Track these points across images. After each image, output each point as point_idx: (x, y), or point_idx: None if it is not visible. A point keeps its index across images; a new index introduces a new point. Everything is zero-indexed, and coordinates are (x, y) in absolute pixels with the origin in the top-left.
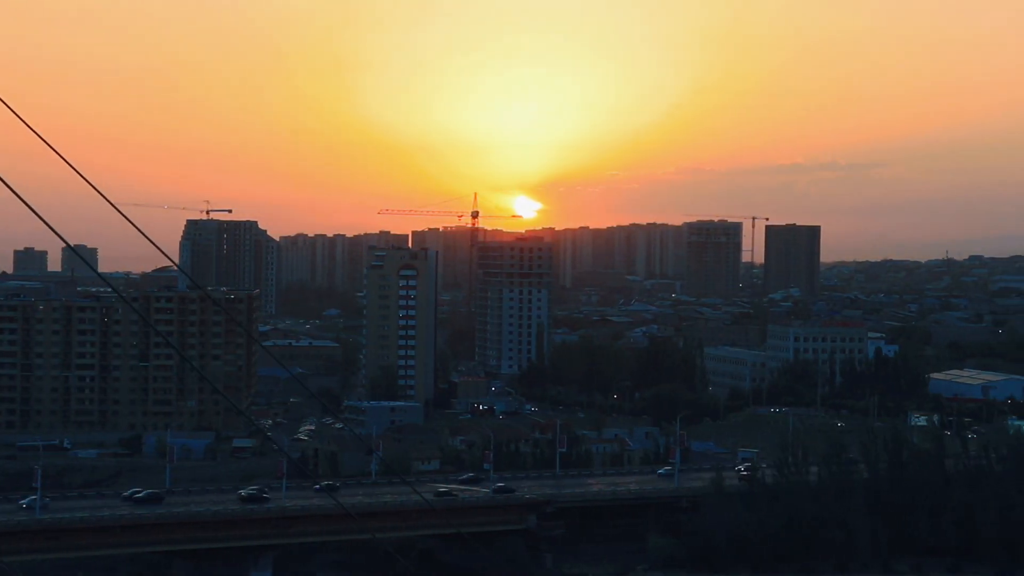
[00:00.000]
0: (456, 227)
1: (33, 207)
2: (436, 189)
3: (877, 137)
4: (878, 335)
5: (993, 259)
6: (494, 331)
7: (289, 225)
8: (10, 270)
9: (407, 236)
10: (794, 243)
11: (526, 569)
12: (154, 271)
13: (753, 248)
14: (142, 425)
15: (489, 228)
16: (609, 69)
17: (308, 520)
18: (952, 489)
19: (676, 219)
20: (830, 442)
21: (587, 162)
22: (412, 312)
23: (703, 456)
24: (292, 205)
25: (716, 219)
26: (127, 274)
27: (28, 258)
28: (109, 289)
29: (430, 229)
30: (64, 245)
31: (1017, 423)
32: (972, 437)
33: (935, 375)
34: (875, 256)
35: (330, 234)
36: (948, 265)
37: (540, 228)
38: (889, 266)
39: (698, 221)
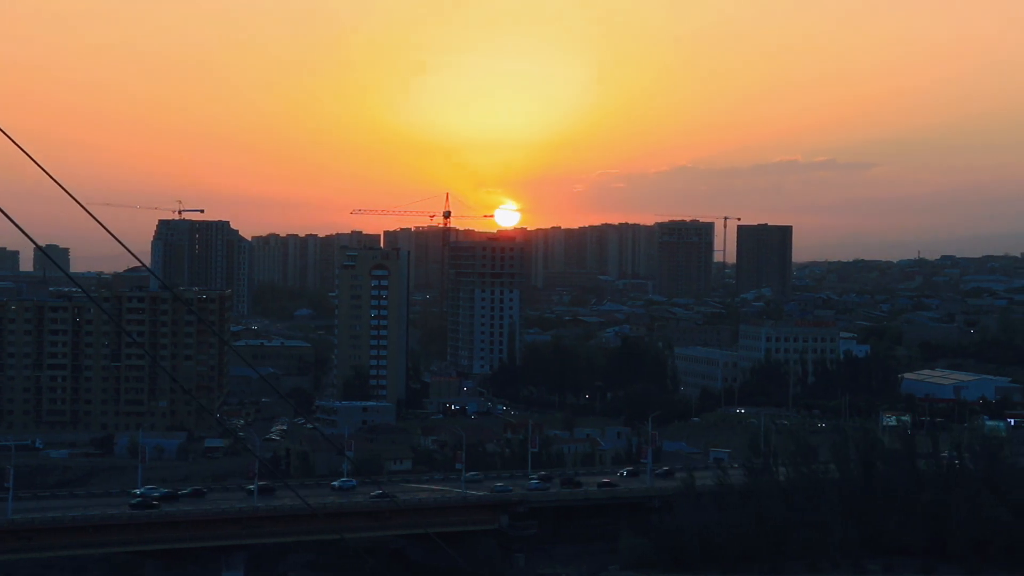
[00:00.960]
0: (428, 227)
1: (1, 207)
2: (412, 189)
3: (853, 137)
4: (850, 335)
5: (965, 259)
6: (466, 331)
7: (261, 225)
8: None
9: (379, 236)
10: (766, 243)
11: (498, 569)
12: (126, 271)
13: (725, 248)
14: (114, 425)
15: (461, 228)
16: (593, 68)
17: (279, 520)
18: (923, 489)
19: (648, 219)
20: (801, 442)
21: (569, 160)
22: (384, 312)
23: (675, 456)
24: (265, 204)
25: (688, 219)
26: (99, 274)
27: (0, 258)
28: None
29: (402, 229)
30: (36, 246)
31: (988, 423)
32: (943, 437)
33: (907, 375)
34: (847, 256)
35: (302, 234)
36: (920, 265)
37: (512, 228)
38: (861, 266)
39: (670, 221)
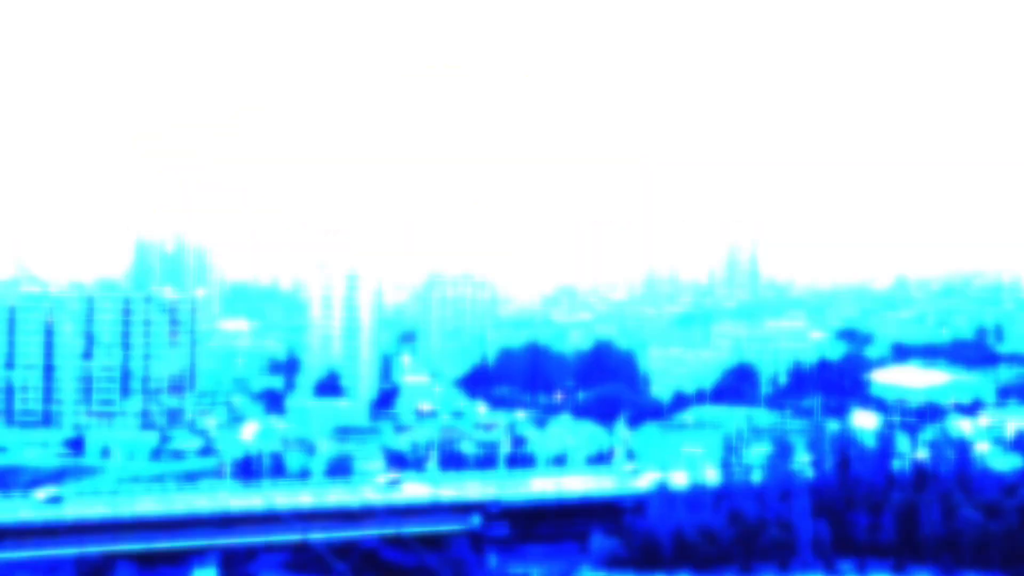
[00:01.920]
0: None
1: None
2: None
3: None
4: (822, 335)
5: None
6: (438, 331)
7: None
8: None
9: None
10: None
11: (470, 570)
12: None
13: None
14: (86, 425)
15: None
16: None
17: (250, 521)
18: (895, 489)
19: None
20: (773, 442)
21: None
22: (356, 312)
23: (648, 456)
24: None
25: None
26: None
27: None
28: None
29: None
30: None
31: (959, 422)
32: (915, 437)
33: (878, 374)
34: None
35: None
36: None
37: None
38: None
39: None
